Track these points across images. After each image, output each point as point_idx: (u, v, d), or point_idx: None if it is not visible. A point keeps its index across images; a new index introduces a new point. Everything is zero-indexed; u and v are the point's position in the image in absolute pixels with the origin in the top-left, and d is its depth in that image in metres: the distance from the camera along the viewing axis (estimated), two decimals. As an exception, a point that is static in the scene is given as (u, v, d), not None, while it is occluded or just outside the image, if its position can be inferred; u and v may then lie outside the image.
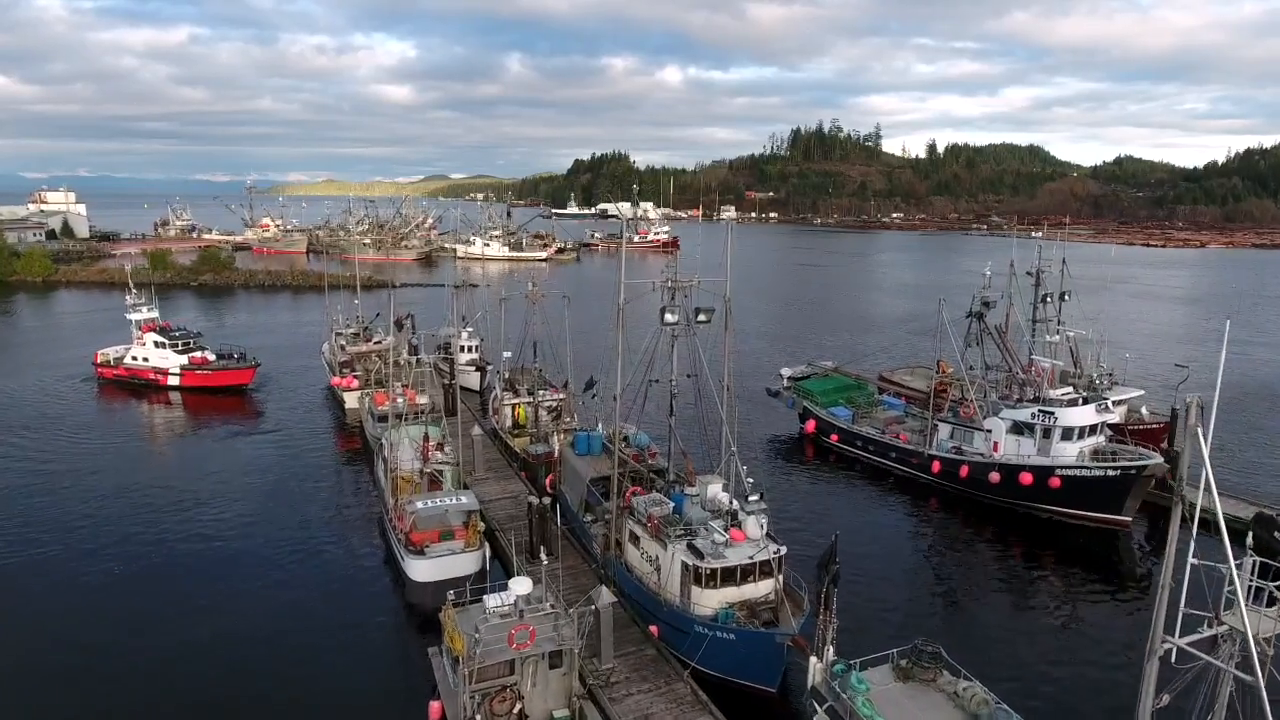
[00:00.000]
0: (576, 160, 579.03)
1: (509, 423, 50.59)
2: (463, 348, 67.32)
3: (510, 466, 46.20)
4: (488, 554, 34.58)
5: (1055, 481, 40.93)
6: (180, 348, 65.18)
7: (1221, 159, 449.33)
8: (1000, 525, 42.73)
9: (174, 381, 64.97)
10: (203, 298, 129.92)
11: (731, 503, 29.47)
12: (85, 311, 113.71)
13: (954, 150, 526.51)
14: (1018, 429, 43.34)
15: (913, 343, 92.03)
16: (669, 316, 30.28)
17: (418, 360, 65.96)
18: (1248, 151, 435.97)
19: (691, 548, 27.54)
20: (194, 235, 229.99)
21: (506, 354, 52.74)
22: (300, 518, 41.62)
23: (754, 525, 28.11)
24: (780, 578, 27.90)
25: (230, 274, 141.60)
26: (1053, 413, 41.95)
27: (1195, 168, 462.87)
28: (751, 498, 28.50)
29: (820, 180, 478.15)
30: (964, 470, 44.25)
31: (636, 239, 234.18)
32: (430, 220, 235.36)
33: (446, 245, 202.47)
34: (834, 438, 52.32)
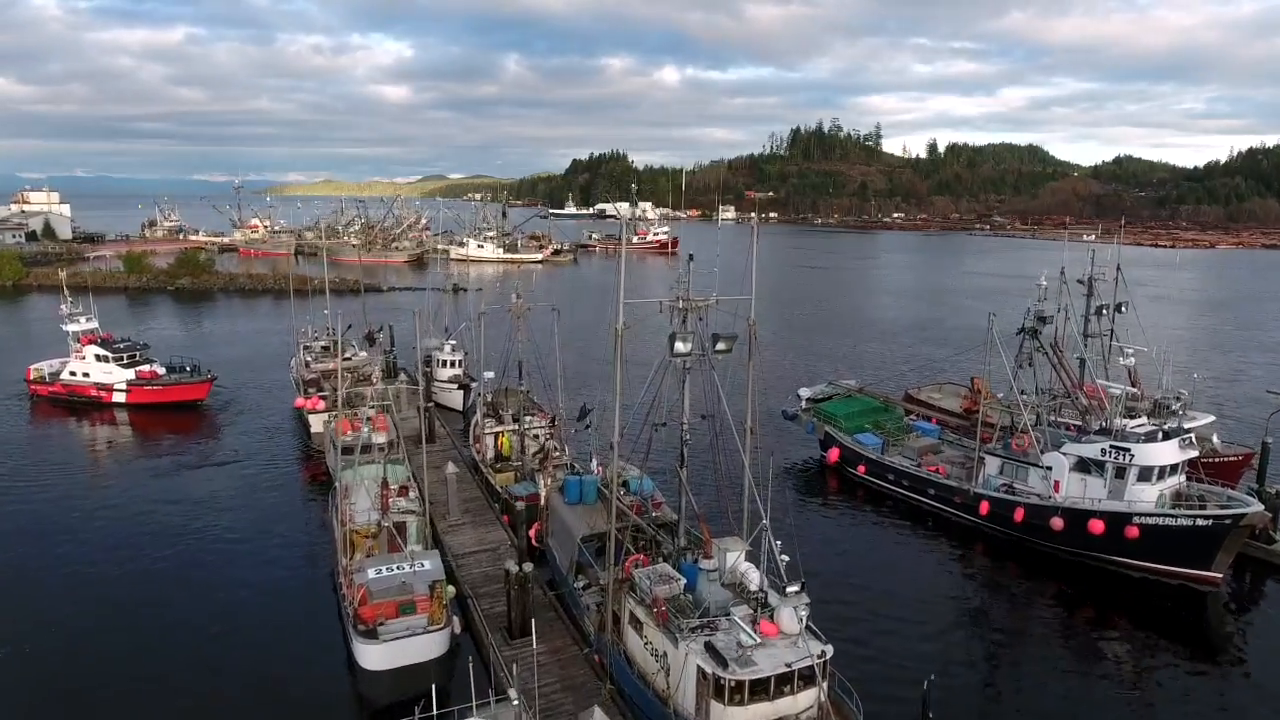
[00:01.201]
0: (574, 160, 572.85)
1: (491, 454, 44.24)
2: (444, 362, 61.07)
3: (491, 508, 39.78)
4: (458, 627, 28.27)
5: (1132, 531, 34.61)
6: (125, 361, 58.71)
7: (1221, 158, 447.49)
8: (1063, 580, 36.43)
9: (119, 398, 58.52)
10: (180, 303, 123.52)
11: (761, 583, 23.16)
12: (40, 320, 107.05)
13: (955, 150, 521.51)
14: (1084, 466, 37.02)
15: (929, 354, 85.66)
16: (680, 346, 23.91)
17: (392, 377, 59.77)
18: (1250, 151, 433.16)
19: (710, 649, 21.21)
20: (181, 237, 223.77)
21: (488, 374, 46.35)
22: (240, 575, 35.16)
23: (790, 617, 21.81)
24: (825, 686, 21.60)
25: (209, 277, 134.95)
26: (1128, 449, 35.63)
27: (1196, 167, 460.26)
28: (791, 588, 22.14)
29: (820, 180, 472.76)
30: (1019, 513, 37.91)
31: (635, 240, 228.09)
32: (423, 221, 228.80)
33: (439, 247, 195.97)
34: (861, 469, 45.97)
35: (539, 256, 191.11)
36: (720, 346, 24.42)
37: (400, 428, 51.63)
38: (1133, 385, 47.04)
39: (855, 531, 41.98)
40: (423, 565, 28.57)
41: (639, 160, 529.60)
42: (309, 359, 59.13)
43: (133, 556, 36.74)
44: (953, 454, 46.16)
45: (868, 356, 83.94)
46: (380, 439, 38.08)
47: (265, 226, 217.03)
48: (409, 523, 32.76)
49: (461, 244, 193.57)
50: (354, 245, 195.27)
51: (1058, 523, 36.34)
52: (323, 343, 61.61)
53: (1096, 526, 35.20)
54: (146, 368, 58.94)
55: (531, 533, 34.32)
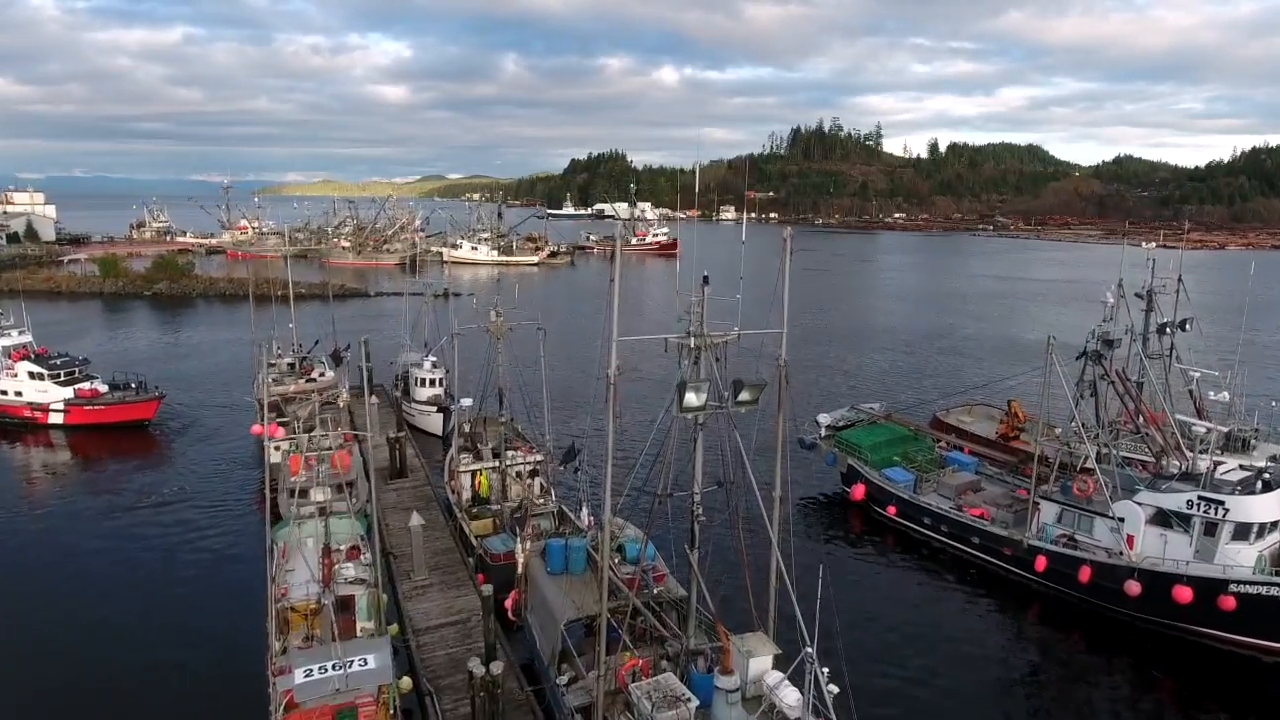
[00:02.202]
0: (572, 160, 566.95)
1: (467, 495, 38.49)
2: (422, 381, 55.27)
3: (464, 564, 33.96)
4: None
5: (1228, 601, 28.90)
6: (63, 379, 52.86)
7: (1220, 158, 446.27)
8: (1139, 652, 30.75)
9: (57, 419, 52.72)
10: (157, 308, 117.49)
11: (804, 714, 17.46)
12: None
13: (956, 149, 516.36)
14: (1164, 519, 31.29)
15: (947, 366, 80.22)
16: (692, 399, 18.13)
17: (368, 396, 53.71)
18: (1254, 150, 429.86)
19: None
20: (168, 238, 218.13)
21: (466, 401, 40.61)
22: (155, 657, 29.37)
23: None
24: None
25: (188, 281, 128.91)
26: (1221, 501, 29.90)
27: (1197, 167, 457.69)
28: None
29: (821, 180, 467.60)
30: (1085, 573, 32.17)
31: (634, 241, 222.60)
32: (417, 221, 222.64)
33: (433, 249, 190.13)
34: (891, 510, 40.21)
35: (535, 259, 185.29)
36: (744, 397, 18.66)
37: (371, 459, 46.04)
38: (1199, 413, 41.43)
39: (887, 587, 36.18)
40: (365, 663, 22.78)
41: (637, 160, 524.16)
42: (271, 378, 53.23)
43: (42, 621, 30.99)
44: (994, 492, 40.46)
45: (882, 370, 78.20)
46: (337, 480, 32.27)
47: (254, 228, 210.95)
48: (358, 596, 27.00)
49: (455, 246, 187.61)
50: (345, 248, 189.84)
51: (1133, 587, 30.62)
52: (289, 359, 55.77)
53: (1183, 594, 29.48)
54: (86, 385, 53.10)
55: (509, 603, 28.60)
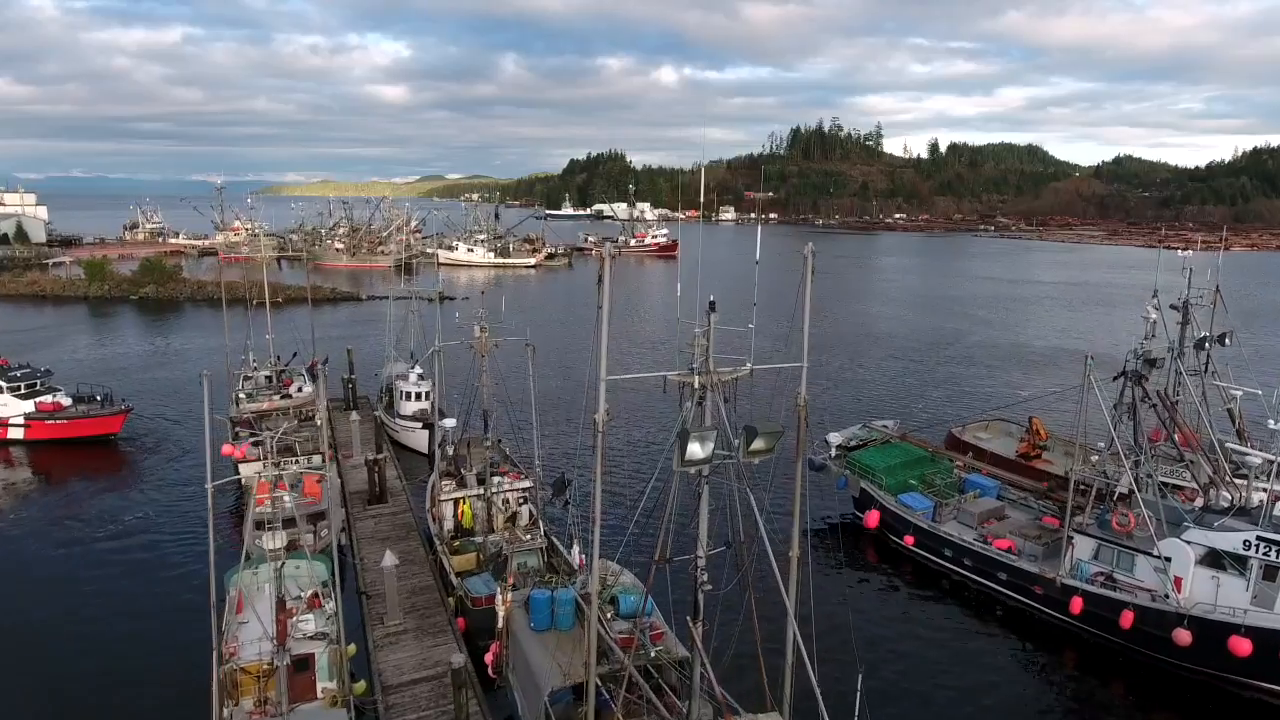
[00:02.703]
0: (572, 160, 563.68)
1: (449, 525, 35.44)
2: (408, 395, 52.17)
3: (443, 605, 30.90)
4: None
5: (1293, 655, 25.94)
6: (23, 391, 49.79)
7: (1219, 158, 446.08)
8: (1190, 708, 27.82)
9: (16, 434, 49.68)
10: (144, 313, 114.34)
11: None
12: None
13: (956, 149, 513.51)
14: (1216, 560, 28.28)
15: (954, 374, 77.17)
16: (696, 449, 15.07)
17: (351, 409, 50.63)
18: (1255, 150, 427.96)
19: None
20: (160, 239, 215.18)
21: (448, 421, 37.55)
22: None
23: None
24: None
25: (176, 285, 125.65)
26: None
27: (1197, 167, 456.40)
28: None
29: (821, 180, 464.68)
30: (1127, 617, 29.14)
31: (633, 242, 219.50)
32: (414, 222, 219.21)
33: (428, 250, 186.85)
34: (909, 540, 37.17)
35: (532, 261, 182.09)
36: (758, 445, 15.57)
37: (345, 486, 43.08)
38: (1239, 435, 38.43)
39: (907, 626, 33.11)
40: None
41: (637, 161, 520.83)
42: (245, 393, 50.21)
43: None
44: (1019, 519, 37.42)
45: (889, 379, 75.06)
46: (308, 509, 29.28)
47: (247, 229, 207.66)
48: (318, 653, 23.96)
49: (450, 247, 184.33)
50: (338, 250, 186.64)
51: (1183, 636, 27.58)
52: (266, 372, 52.74)
53: (1240, 646, 26.47)
54: (49, 398, 50.05)
55: (489, 657, 25.58)
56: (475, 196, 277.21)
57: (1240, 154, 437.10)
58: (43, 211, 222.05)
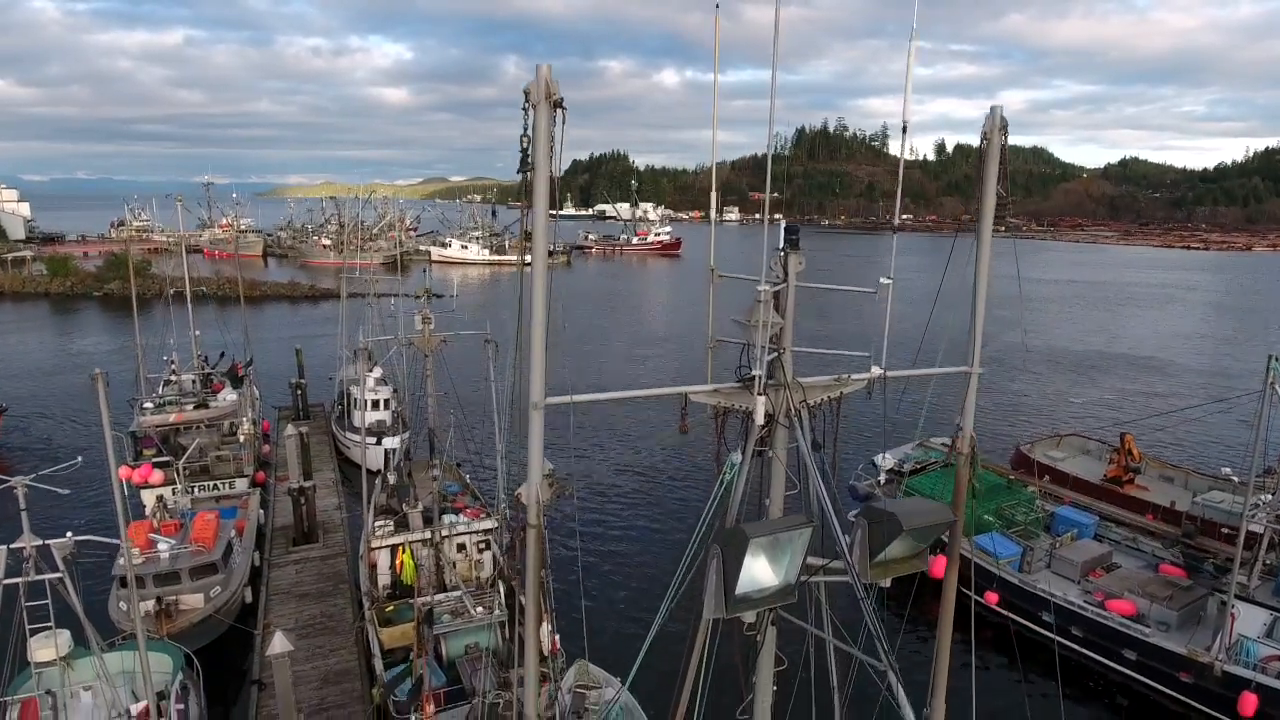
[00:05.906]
0: (574, 161, 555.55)
1: (385, 580, 26.67)
2: (364, 403, 43.39)
3: (362, 706, 22.08)
4: None
5: None
6: None
7: (1224, 160, 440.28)
8: None
9: None
10: (109, 310, 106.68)
11: None
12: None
13: (962, 150, 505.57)
14: None
15: (993, 380, 68.18)
16: (761, 571, 6.37)
17: (302, 418, 41.46)
18: (1268, 151, 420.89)
19: None
20: (145, 236, 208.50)
21: (390, 442, 28.85)
22: None
23: None
24: None
25: (144, 281, 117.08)
26: None
27: (1206, 169, 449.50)
28: None
29: (826, 180, 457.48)
30: (1333, 729, 20.43)
31: (635, 241, 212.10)
32: (409, 220, 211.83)
33: (420, 247, 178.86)
34: (991, 598, 28.35)
35: (529, 258, 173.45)
36: (898, 551, 6.91)
37: (276, 515, 34.47)
38: None
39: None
40: None
41: (640, 162, 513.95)
42: (167, 400, 41.46)
43: None
44: (1132, 569, 28.67)
45: (919, 385, 66.15)
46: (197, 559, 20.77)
47: (234, 226, 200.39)
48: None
49: (444, 244, 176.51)
50: (326, 246, 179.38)
51: None
52: (191, 375, 44.10)
53: None
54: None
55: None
56: (476, 197, 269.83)
57: (1251, 155, 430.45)
58: (24, 209, 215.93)
